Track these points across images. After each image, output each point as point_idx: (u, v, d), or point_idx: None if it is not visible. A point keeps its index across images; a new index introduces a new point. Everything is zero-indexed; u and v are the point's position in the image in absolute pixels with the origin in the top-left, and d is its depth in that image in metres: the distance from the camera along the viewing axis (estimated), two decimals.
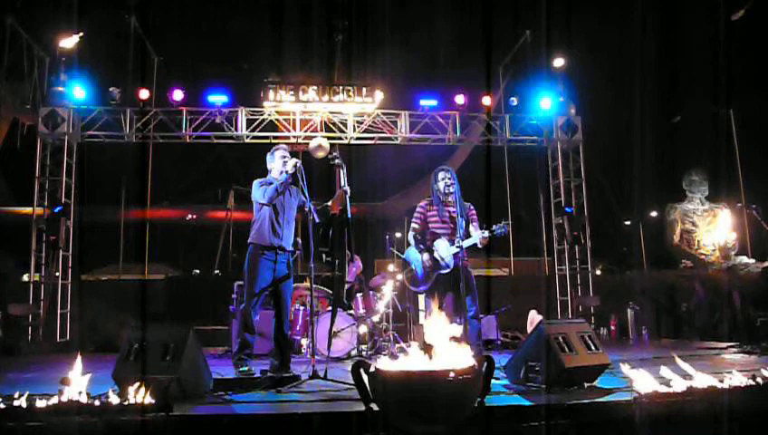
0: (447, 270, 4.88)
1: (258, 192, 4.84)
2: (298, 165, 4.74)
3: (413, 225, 5.14)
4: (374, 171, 10.28)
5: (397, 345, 6.61)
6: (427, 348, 2.93)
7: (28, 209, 9.05)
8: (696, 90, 10.35)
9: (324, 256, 5.29)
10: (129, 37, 9.44)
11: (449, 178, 5.02)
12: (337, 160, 4.86)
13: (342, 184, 4.86)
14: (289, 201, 4.93)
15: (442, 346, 2.92)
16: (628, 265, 13.35)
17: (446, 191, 5.02)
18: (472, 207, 5.12)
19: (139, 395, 3.00)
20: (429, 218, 5.08)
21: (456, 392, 2.80)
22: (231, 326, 7.24)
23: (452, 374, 2.72)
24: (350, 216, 4.80)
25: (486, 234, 4.81)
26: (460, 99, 9.62)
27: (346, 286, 7.22)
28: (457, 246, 4.79)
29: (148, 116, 9.22)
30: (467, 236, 4.89)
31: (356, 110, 9.57)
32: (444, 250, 4.90)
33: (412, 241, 5.11)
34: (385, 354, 5.99)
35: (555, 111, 9.99)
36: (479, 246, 4.86)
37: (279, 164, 4.95)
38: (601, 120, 10.46)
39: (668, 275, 9.02)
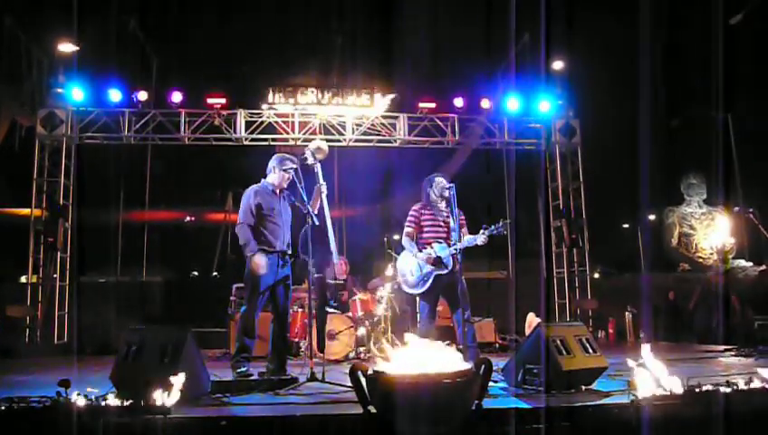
0: (446, 271, 4.89)
1: (243, 210, 4.76)
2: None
3: (407, 229, 5.15)
4: (372, 173, 10.26)
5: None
6: None
7: (26, 211, 9.04)
8: (695, 94, 10.36)
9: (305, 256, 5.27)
10: (127, 39, 9.43)
11: (446, 183, 5.03)
12: (309, 160, 4.85)
13: (319, 181, 4.86)
14: (282, 204, 4.91)
15: None
16: (625, 269, 13.35)
17: (443, 194, 5.02)
18: (461, 213, 5.12)
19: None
20: (423, 223, 5.09)
21: (453, 395, 2.81)
22: (229, 328, 7.24)
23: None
24: (327, 213, 4.80)
25: (487, 233, 4.83)
26: (459, 102, 9.61)
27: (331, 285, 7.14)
28: (454, 248, 4.80)
29: (146, 118, 9.20)
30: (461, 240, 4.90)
31: (356, 113, 9.57)
32: (442, 252, 4.92)
33: (407, 245, 5.12)
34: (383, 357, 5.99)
35: (554, 114, 10.00)
36: (479, 244, 4.89)
37: (278, 176, 4.87)
38: (600, 123, 10.46)
39: (667, 279, 9.02)
